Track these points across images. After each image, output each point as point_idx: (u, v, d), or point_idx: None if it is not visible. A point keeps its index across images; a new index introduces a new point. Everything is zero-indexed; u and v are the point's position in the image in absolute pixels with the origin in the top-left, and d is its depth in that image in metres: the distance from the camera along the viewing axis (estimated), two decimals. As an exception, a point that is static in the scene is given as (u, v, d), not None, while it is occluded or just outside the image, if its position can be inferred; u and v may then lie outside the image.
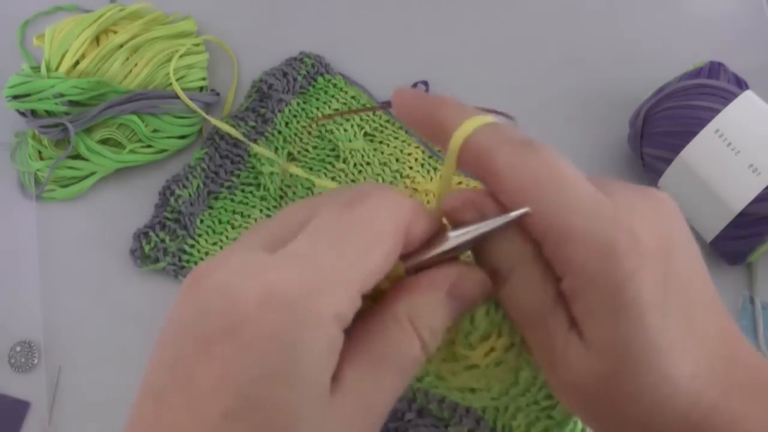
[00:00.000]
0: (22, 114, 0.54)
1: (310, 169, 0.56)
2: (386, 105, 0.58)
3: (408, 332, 0.22)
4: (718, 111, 0.48)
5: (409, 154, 0.56)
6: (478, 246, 0.24)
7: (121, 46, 0.55)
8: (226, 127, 0.57)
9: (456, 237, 0.24)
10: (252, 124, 0.57)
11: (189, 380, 0.20)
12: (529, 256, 0.23)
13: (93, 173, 0.56)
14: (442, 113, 0.25)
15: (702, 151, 0.48)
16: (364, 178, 0.55)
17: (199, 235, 0.54)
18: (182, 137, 0.57)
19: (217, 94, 0.60)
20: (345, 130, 0.57)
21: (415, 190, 0.54)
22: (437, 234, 0.24)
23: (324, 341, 0.20)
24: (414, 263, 0.24)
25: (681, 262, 0.23)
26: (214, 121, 0.57)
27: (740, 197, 0.47)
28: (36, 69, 0.56)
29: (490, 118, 0.24)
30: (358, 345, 0.22)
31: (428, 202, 0.54)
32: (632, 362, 0.22)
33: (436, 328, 0.23)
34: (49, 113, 0.54)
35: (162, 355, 0.21)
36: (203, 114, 0.57)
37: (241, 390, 0.19)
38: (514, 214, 0.23)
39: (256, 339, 0.20)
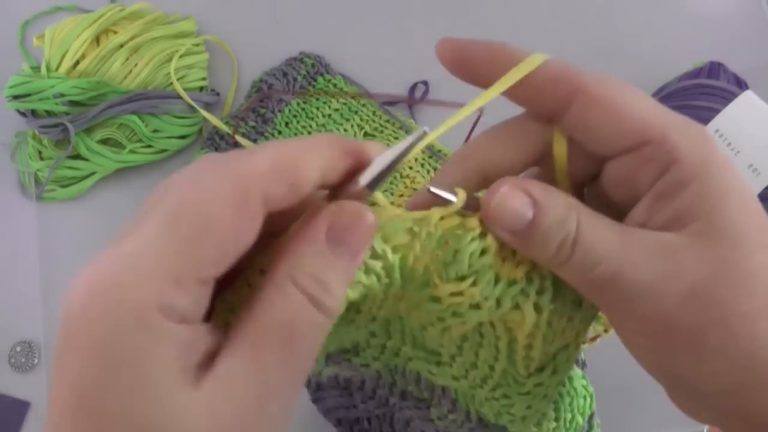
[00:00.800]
0: (22, 114, 0.54)
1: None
2: (368, 94, 0.58)
3: (291, 295, 0.20)
4: (718, 111, 0.48)
5: (409, 154, 0.56)
6: (531, 232, 0.23)
7: (121, 46, 0.55)
8: (224, 127, 0.57)
9: (381, 160, 0.22)
10: (252, 124, 0.57)
11: (50, 407, 0.20)
12: (585, 208, 0.23)
13: (93, 173, 0.56)
14: (500, 54, 0.24)
15: (702, 151, 0.48)
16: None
17: (199, 235, 0.54)
18: (182, 137, 0.57)
19: (217, 94, 0.60)
20: (345, 130, 0.57)
21: (415, 189, 0.54)
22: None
23: (147, 336, 0.19)
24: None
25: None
26: (215, 121, 0.57)
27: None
28: (36, 69, 0.56)
29: (543, 55, 0.24)
30: (242, 327, 0.20)
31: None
32: (747, 238, 0.22)
33: (326, 279, 0.21)
34: (49, 113, 0.54)
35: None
36: (204, 114, 0.57)
37: (79, 405, 0.19)
38: (413, 137, 0.22)
39: (82, 345, 0.19)
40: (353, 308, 0.27)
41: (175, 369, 0.19)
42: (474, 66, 0.25)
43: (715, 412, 0.24)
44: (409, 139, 0.22)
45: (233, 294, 0.22)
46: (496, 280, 0.24)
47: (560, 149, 0.25)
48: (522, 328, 0.25)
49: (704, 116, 0.48)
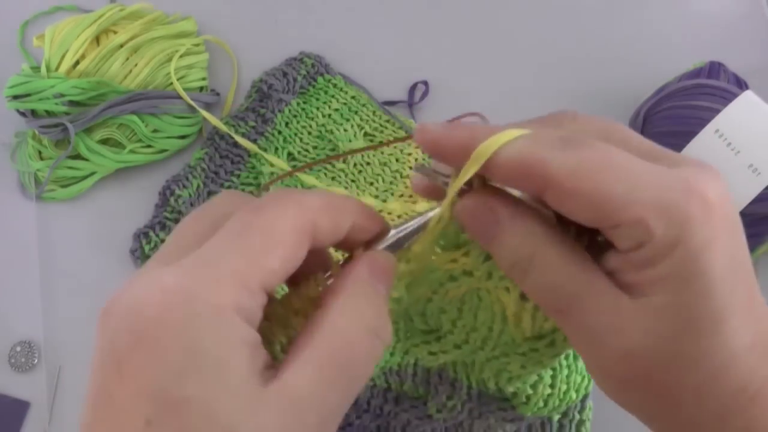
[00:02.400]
0: (22, 114, 0.54)
1: (310, 169, 0.56)
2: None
3: (355, 325, 0.23)
4: (718, 111, 0.48)
5: (409, 154, 0.56)
6: (493, 247, 0.25)
7: (121, 46, 0.55)
8: (224, 128, 0.57)
9: (396, 232, 0.27)
10: (252, 124, 0.57)
11: (110, 405, 0.20)
12: (548, 238, 0.24)
13: (93, 173, 0.56)
14: (467, 135, 0.25)
15: (702, 151, 0.48)
16: (364, 178, 0.55)
17: (199, 235, 0.54)
18: (182, 137, 0.57)
19: (217, 94, 0.60)
20: (345, 130, 0.57)
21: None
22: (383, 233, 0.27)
23: (227, 332, 0.20)
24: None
25: (742, 237, 0.24)
26: (214, 121, 0.57)
27: (740, 197, 0.47)
28: (36, 69, 0.56)
29: (519, 131, 0.24)
30: (306, 346, 0.22)
31: (428, 201, 0.54)
32: (696, 325, 0.22)
33: (382, 313, 0.24)
34: (49, 113, 0.54)
35: (88, 392, 0.21)
36: (204, 114, 0.57)
37: (156, 394, 0.20)
38: (435, 211, 0.26)
39: (160, 341, 0.20)
40: None
41: (249, 366, 0.21)
42: (448, 155, 0.26)
43: None
44: (417, 221, 0.27)
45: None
46: (488, 257, 0.27)
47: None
48: (509, 307, 0.28)
49: (704, 116, 0.48)
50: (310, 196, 0.24)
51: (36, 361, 0.52)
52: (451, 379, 0.35)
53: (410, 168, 0.55)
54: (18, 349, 0.52)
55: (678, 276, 0.22)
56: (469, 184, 0.25)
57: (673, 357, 0.22)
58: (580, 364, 0.35)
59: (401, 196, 0.55)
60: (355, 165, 0.56)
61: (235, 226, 0.23)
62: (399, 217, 0.53)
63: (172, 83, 0.57)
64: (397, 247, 0.27)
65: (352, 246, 0.26)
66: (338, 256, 0.28)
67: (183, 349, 0.20)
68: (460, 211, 0.26)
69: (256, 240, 0.22)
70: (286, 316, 0.24)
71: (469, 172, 0.24)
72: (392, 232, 0.27)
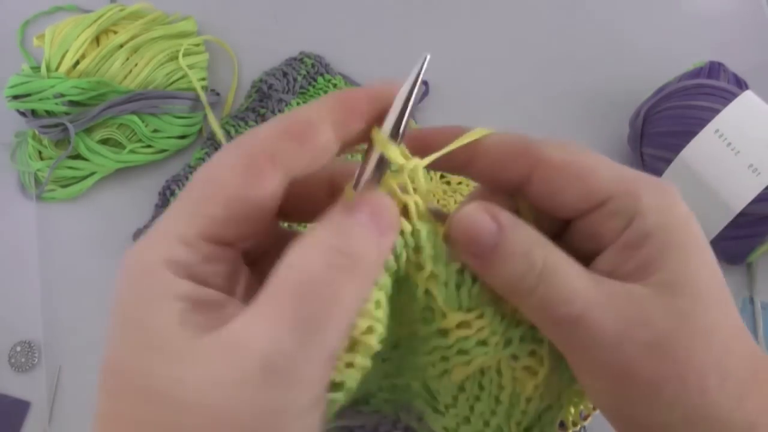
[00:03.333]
0: (22, 114, 0.54)
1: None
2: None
3: (317, 246, 0.20)
4: (718, 111, 0.48)
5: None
6: (495, 259, 0.23)
7: (121, 46, 0.55)
8: (220, 134, 0.57)
9: (383, 131, 0.22)
10: (252, 124, 0.57)
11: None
12: (551, 244, 0.23)
13: (93, 173, 0.56)
14: (456, 129, 0.25)
15: (702, 151, 0.48)
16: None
17: (199, 235, 0.54)
18: (182, 137, 0.57)
19: (217, 94, 0.60)
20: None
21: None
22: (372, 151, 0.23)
23: (154, 289, 0.20)
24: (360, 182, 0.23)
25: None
26: (214, 125, 0.57)
27: (740, 197, 0.46)
28: (36, 69, 0.56)
29: (490, 130, 0.24)
30: (270, 282, 0.20)
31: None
32: (706, 294, 0.22)
33: (354, 234, 0.21)
34: (49, 113, 0.54)
35: None
36: (210, 115, 0.57)
37: (108, 367, 0.20)
38: (416, 68, 0.23)
39: (114, 312, 0.21)
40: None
41: (176, 321, 0.19)
42: (432, 149, 0.25)
43: None
44: (413, 72, 0.23)
45: None
46: (502, 317, 0.24)
47: (526, 214, 0.25)
48: (535, 377, 0.25)
49: (704, 116, 0.48)
50: (260, 128, 0.22)
51: (36, 361, 0.52)
52: None
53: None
54: (18, 349, 0.52)
55: (676, 246, 0.22)
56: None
57: (694, 331, 0.22)
58: None
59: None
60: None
61: (186, 186, 0.23)
62: (434, 196, 0.51)
63: (172, 83, 0.57)
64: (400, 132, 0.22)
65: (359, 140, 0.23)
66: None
67: (119, 313, 0.20)
68: (458, 220, 0.23)
69: (194, 192, 0.22)
70: None
71: (464, 140, 0.23)
72: (397, 97, 0.23)
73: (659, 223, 0.22)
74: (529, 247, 0.23)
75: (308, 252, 0.20)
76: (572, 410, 0.27)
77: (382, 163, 0.23)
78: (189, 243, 0.21)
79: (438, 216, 0.24)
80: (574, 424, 0.27)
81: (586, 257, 0.24)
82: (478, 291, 0.23)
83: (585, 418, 0.28)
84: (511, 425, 0.27)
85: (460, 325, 0.24)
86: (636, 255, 0.22)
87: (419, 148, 0.24)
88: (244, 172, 0.21)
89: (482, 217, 0.23)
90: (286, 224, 0.29)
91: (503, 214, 0.23)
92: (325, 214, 0.21)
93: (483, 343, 0.24)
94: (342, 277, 0.20)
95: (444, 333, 0.24)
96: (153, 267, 0.20)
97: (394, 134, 0.22)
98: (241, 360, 0.18)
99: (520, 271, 0.22)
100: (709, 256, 0.23)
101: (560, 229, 0.25)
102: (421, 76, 0.23)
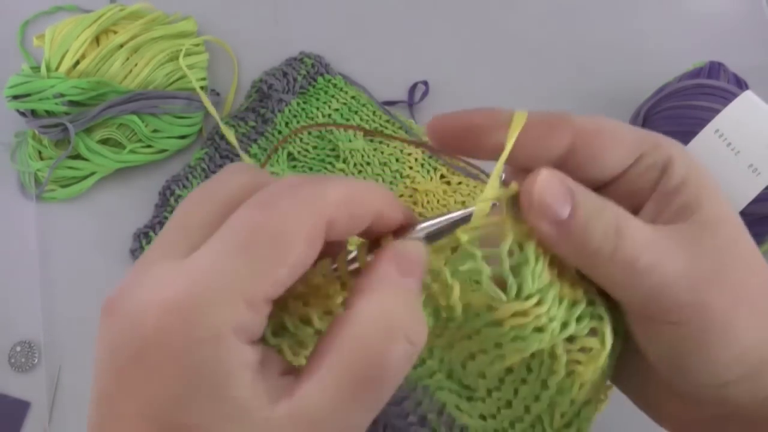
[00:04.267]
0: (22, 114, 0.54)
1: (310, 169, 0.56)
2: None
3: (382, 330, 0.21)
4: (718, 111, 0.48)
5: (409, 154, 0.56)
6: (570, 227, 0.22)
7: (121, 46, 0.55)
8: (230, 135, 0.57)
9: (423, 227, 0.24)
10: (252, 124, 0.57)
11: (115, 416, 0.20)
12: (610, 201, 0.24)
13: (93, 173, 0.56)
14: (480, 118, 0.25)
15: (702, 151, 0.48)
16: (364, 179, 0.55)
17: (199, 235, 0.54)
18: (182, 137, 0.57)
19: (218, 94, 0.60)
20: (345, 130, 0.57)
21: (416, 190, 0.54)
22: (408, 227, 0.24)
23: (225, 357, 0.19)
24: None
25: None
26: (228, 135, 0.57)
27: (740, 197, 0.47)
28: (36, 69, 0.56)
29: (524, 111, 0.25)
30: (324, 357, 0.20)
31: (428, 202, 0.54)
32: (739, 227, 0.24)
33: (411, 311, 0.22)
34: (49, 113, 0.54)
35: (92, 392, 0.21)
36: (214, 113, 0.57)
37: (158, 418, 0.19)
38: (470, 209, 0.24)
39: (160, 363, 0.19)
40: None
41: (252, 388, 0.20)
42: (464, 143, 0.25)
43: (714, 411, 0.24)
44: (452, 216, 0.24)
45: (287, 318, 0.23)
46: (560, 300, 0.23)
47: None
48: (597, 359, 0.24)
49: (704, 116, 0.48)
50: (327, 189, 0.21)
51: (36, 361, 0.52)
52: None
53: (410, 168, 0.55)
54: (18, 349, 0.52)
55: (706, 189, 0.24)
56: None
57: (743, 259, 0.23)
58: None
59: (401, 196, 0.55)
60: (355, 165, 0.56)
61: (241, 229, 0.21)
62: (433, 196, 0.52)
63: (172, 83, 0.57)
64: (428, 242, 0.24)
65: (373, 236, 0.24)
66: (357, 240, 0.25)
67: (183, 377, 0.19)
68: (534, 188, 0.22)
69: (263, 250, 0.20)
70: (298, 307, 0.22)
71: (514, 133, 0.24)
72: (420, 225, 0.24)
73: (689, 170, 0.24)
74: (602, 206, 0.23)
75: (375, 328, 0.21)
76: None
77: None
78: (256, 306, 0.20)
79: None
80: None
81: None
82: (540, 272, 0.23)
83: None
84: (555, 416, 0.26)
85: (516, 315, 0.23)
86: (675, 200, 0.24)
87: (448, 139, 0.25)
88: (312, 240, 0.21)
89: (556, 183, 0.23)
90: None
91: (569, 179, 0.23)
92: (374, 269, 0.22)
93: (540, 329, 0.23)
94: (407, 355, 0.21)
95: (498, 323, 0.24)
96: (225, 334, 0.19)
97: (430, 238, 0.24)
98: (318, 431, 0.20)
99: (601, 231, 0.22)
100: (727, 198, 0.25)
101: None
102: (455, 226, 0.24)
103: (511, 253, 0.23)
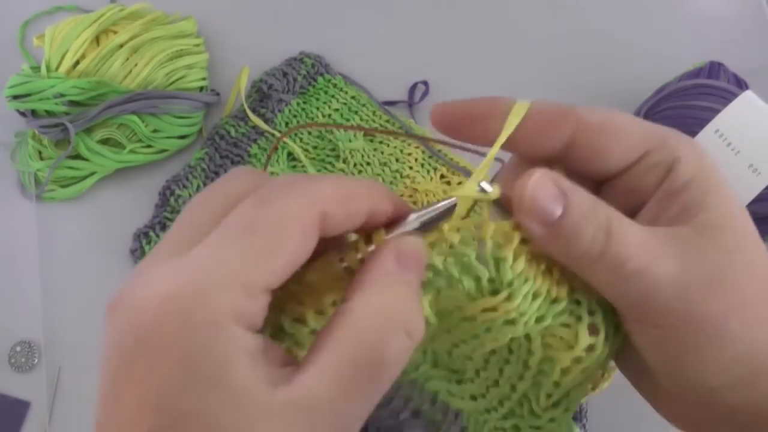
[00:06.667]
0: (22, 114, 0.54)
1: (344, 130, 0.56)
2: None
3: (381, 322, 0.21)
4: (718, 111, 0.48)
5: (409, 154, 0.56)
6: (560, 228, 0.23)
7: (121, 46, 0.55)
8: (256, 119, 0.57)
9: (416, 216, 0.24)
10: (252, 124, 0.57)
11: (119, 406, 0.20)
12: (603, 202, 0.24)
13: (93, 173, 0.56)
14: (482, 106, 0.25)
15: (702, 151, 0.48)
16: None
17: (199, 235, 0.54)
18: (182, 137, 0.57)
19: (217, 94, 0.60)
20: (345, 130, 0.57)
21: (416, 189, 0.55)
22: (402, 218, 0.24)
23: (224, 344, 0.20)
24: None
25: None
26: (252, 116, 0.57)
27: (740, 197, 0.47)
28: (36, 69, 0.56)
29: (526, 101, 0.25)
30: (324, 348, 0.21)
31: (428, 201, 0.54)
32: (743, 231, 0.24)
33: (409, 304, 0.22)
34: (49, 113, 0.54)
35: (98, 389, 0.21)
36: (253, 117, 0.57)
37: (159, 407, 0.19)
38: (443, 203, 0.24)
39: (160, 351, 0.19)
40: None
41: (252, 375, 0.20)
42: (466, 128, 0.26)
43: (707, 411, 0.24)
44: (439, 206, 0.24)
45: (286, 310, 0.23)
46: (535, 296, 0.24)
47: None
48: (570, 351, 0.24)
49: (704, 116, 0.48)
50: (321, 184, 0.22)
51: (36, 361, 0.52)
52: (463, 425, 0.33)
53: (410, 168, 0.55)
54: (18, 349, 0.52)
55: (711, 190, 0.23)
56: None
57: (742, 266, 0.23)
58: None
59: (401, 196, 0.55)
60: (355, 165, 0.56)
61: (237, 222, 0.21)
62: (434, 196, 0.52)
63: (172, 83, 0.57)
64: (423, 230, 0.24)
65: (369, 230, 0.24)
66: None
67: (182, 363, 0.19)
68: (524, 191, 0.23)
69: (259, 240, 0.21)
70: (302, 297, 0.23)
71: (512, 124, 0.24)
72: (413, 215, 0.24)
73: (696, 171, 0.23)
74: (594, 208, 0.23)
75: (375, 321, 0.21)
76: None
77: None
78: (254, 295, 0.20)
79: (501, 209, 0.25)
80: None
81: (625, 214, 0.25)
82: (517, 270, 0.23)
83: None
84: (541, 396, 0.27)
85: (486, 310, 0.24)
86: (678, 201, 0.23)
87: (449, 127, 0.25)
88: (307, 232, 0.21)
89: (549, 185, 0.23)
90: None
91: (562, 179, 0.23)
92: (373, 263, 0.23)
93: (511, 322, 0.24)
94: (404, 348, 0.21)
95: (470, 319, 0.25)
96: (223, 320, 0.20)
97: (425, 225, 0.24)
98: (317, 424, 0.20)
99: (590, 233, 0.23)
100: (737, 199, 0.24)
101: (594, 192, 0.26)
102: (444, 215, 0.24)
103: (486, 250, 0.23)
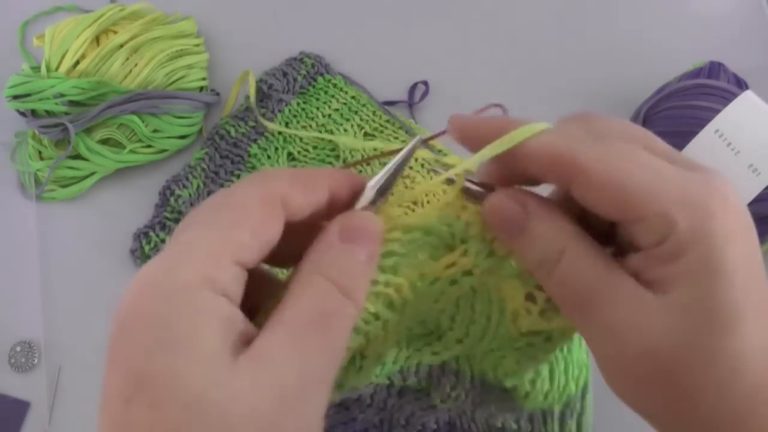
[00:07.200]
0: (22, 114, 0.54)
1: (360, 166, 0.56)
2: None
3: (321, 284, 0.23)
4: (718, 111, 0.48)
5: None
6: (521, 242, 0.25)
7: (121, 46, 0.55)
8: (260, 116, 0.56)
9: (372, 184, 0.26)
10: (252, 124, 0.57)
11: (105, 389, 0.21)
12: (577, 234, 0.25)
13: (93, 173, 0.56)
14: (502, 123, 0.26)
15: (702, 151, 0.48)
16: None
17: (199, 235, 0.54)
18: (182, 137, 0.57)
19: (217, 94, 0.60)
20: (345, 131, 0.57)
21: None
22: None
23: (195, 305, 0.21)
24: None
25: (755, 237, 0.24)
26: (252, 94, 0.57)
27: (740, 197, 0.46)
28: (36, 69, 0.56)
29: (548, 124, 0.25)
30: (276, 315, 0.22)
31: (428, 202, 0.54)
32: (718, 320, 0.22)
33: (349, 271, 0.24)
34: (49, 113, 0.54)
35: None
36: (257, 112, 0.57)
37: (129, 373, 0.20)
38: (411, 144, 0.27)
39: (135, 327, 0.21)
40: (358, 356, 0.29)
41: (221, 338, 0.21)
42: (482, 145, 0.26)
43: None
44: (388, 167, 0.26)
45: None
46: (489, 254, 0.27)
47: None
48: (513, 300, 0.28)
49: (704, 116, 0.48)
50: (280, 173, 0.25)
51: (36, 361, 0.52)
52: (454, 370, 0.35)
53: (410, 168, 0.55)
54: (18, 349, 0.52)
55: (701, 270, 0.22)
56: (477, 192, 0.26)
57: (695, 353, 0.22)
58: (576, 355, 0.35)
59: (402, 198, 0.54)
60: (355, 166, 0.56)
61: (206, 207, 0.24)
62: (434, 196, 0.53)
63: (172, 83, 0.57)
64: (382, 195, 0.26)
65: (336, 212, 0.26)
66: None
67: (152, 327, 0.20)
68: (489, 204, 0.26)
69: (224, 215, 0.23)
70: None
71: (501, 147, 0.25)
72: (369, 184, 0.26)
73: (691, 247, 0.22)
74: (553, 236, 0.25)
75: (316, 285, 0.23)
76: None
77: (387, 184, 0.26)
78: (224, 265, 0.22)
79: (476, 194, 0.27)
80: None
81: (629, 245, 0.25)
82: (464, 228, 0.27)
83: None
84: (511, 329, 0.30)
85: (448, 267, 0.27)
86: (661, 270, 0.23)
87: (463, 134, 0.26)
88: (265, 208, 0.23)
89: (511, 205, 0.25)
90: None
91: (533, 201, 0.25)
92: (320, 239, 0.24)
93: (469, 273, 0.27)
94: (346, 311, 0.23)
95: (434, 281, 0.27)
96: (193, 285, 0.21)
97: (382, 191, 0.26)
98: (280, 376, 0.21)
99: (539, 256, 0.25)
100: (751, 275, 0.23)
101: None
102: (411, 151, 0.27)
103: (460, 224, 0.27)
